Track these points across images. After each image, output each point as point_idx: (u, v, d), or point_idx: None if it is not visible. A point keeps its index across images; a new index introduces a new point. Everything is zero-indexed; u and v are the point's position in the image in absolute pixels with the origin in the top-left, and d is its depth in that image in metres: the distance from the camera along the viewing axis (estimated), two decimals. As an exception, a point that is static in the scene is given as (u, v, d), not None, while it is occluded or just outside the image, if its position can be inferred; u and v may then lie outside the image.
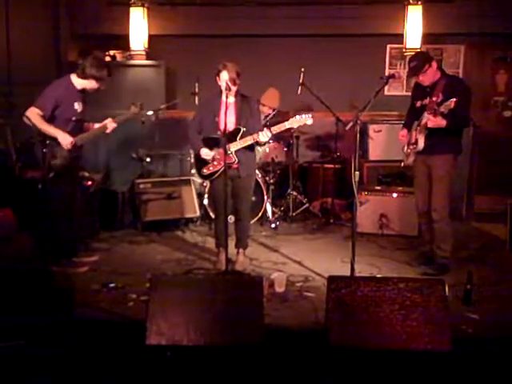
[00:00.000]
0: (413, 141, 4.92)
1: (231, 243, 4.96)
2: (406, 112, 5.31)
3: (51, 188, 4.75)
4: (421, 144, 4.85)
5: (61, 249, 5.02)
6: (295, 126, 4.91)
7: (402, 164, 5.15)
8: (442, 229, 4.95)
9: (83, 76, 4.91)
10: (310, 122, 4.81)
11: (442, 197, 4.91)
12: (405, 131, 5.07)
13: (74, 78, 4.95)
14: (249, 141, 4.83)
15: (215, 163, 4.94)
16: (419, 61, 4.81)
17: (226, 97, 4.68)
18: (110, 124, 5.08)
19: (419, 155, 4.94)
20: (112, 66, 7.31)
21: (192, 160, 6.57)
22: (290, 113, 6.81)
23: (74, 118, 4.90)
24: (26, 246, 5.09)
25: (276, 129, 4.83)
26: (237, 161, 4.87)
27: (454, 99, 4.46)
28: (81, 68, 4.90)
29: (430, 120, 4.69)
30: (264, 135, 4.77)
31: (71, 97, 4.91)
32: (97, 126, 5.10)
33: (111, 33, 7.47)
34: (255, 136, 4.80)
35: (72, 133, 4.87)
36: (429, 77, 4.81)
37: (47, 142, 4.64)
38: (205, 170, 5.01)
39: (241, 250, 5.24)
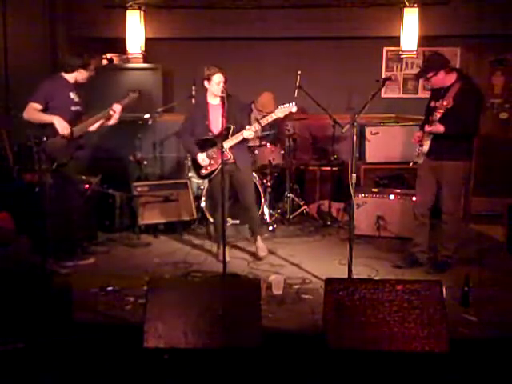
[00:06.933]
0: (421, 142, 4.94)
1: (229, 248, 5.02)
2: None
3: (49, 189, 4.80)
4: (425, 147, 4.88)
5: (59, 251, 5.03)
6: (282, 116, 5.11)
7: (411, 164, 5.11)
8: (451, 230, 5.03)
9: (71, 70, 5.11)
10: (294, 109, 5.08)
11: (452, 202, 4.98)
12: (420, 133, 4.98)
13: (64, 74, 5.14)
14: (240, 136, 5.09)
15: (212, 162, 5.18)
16: (426, 66, 4.86)
17: (222, 99, 4.84)
18: (117, 106, 5.19)
19: (427, 157, 4.95)
20: (109, 69, 7.42)
21: (189, 163, 6.64)
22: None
23: (73, 108, 5.07)
24: (24, 249, 5.09)
25: (265, 120, 5.10)
26: (232, 156, 5.14)
27: (445, 102, 4.61)
28: (65, 66, 5.15)
29: (426, 127, 4.80)
30: (253, 128, 5.07)
31: (65, 88, 5.09)
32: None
33: (108, 36, 7.47)
34: (248, 132, 5.07)
35: (71, 122, 5.00)
36: (435, 82, 4.85)
37: (43, 139, 4.75)
38: (203, 171, 5.26)
39: (258, 237, 5.51)
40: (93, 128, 5.23)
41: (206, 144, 5.21)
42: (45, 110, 4.94)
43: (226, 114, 4.96)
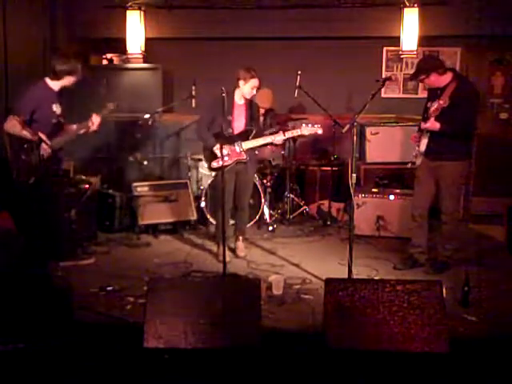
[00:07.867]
0: (419, 142, 4.95)
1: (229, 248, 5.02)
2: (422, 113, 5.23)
3: (32, 191, 4.89)
4: (422, 146, 4.90)
5: (57, 251, 5.03)
6: (306, 134, 5.35)
7: (409, 165, 5.10)
8: (451, 230, 5.04)
9: (57, 77, 4.93)
10: (320, 131, 5.34)
11: (451, 202, 4.99)
12: (417, 133, 5.02)
13: (48, 81, 4.97)
14: (263, 141, 5.32)
15: (226, 158, 5.18)
16: (417, 69, 4.90)
17: (246, 100, 5.30)
18: (95, 118, 5.06)
19: (425, 158, 4.95)
20: (109, 69, 7.42)
21: (188, 162, 6.68)
22: (287, 114, 6.89)
23: (54, 121, 4.94)
24: (24, 250, 5.08)
25: (290, 134, 5.34)
26: (248, 158, 5.30)
27: (441, 102, 4.65)
28: (52, 71, 4.93)
29: (421, 124, 4.83)
30: (279, 138, 5.29)
31: (49, 99, 4.92)
32: (75, 126, 5.11)
33: (108, 36, 7.47)
34: (270, 138, 5.29)
35: (51, 135, 4.89)
36: (430, 84, 4.89)
37: (25, 145, 4.72)
38: (215, 164, 5.30)
39: (240, 238, 5.62)
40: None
41: (224, 139, 5.07)
42: (26, 121, 4.77)
43: (250, 117, 5.31)
